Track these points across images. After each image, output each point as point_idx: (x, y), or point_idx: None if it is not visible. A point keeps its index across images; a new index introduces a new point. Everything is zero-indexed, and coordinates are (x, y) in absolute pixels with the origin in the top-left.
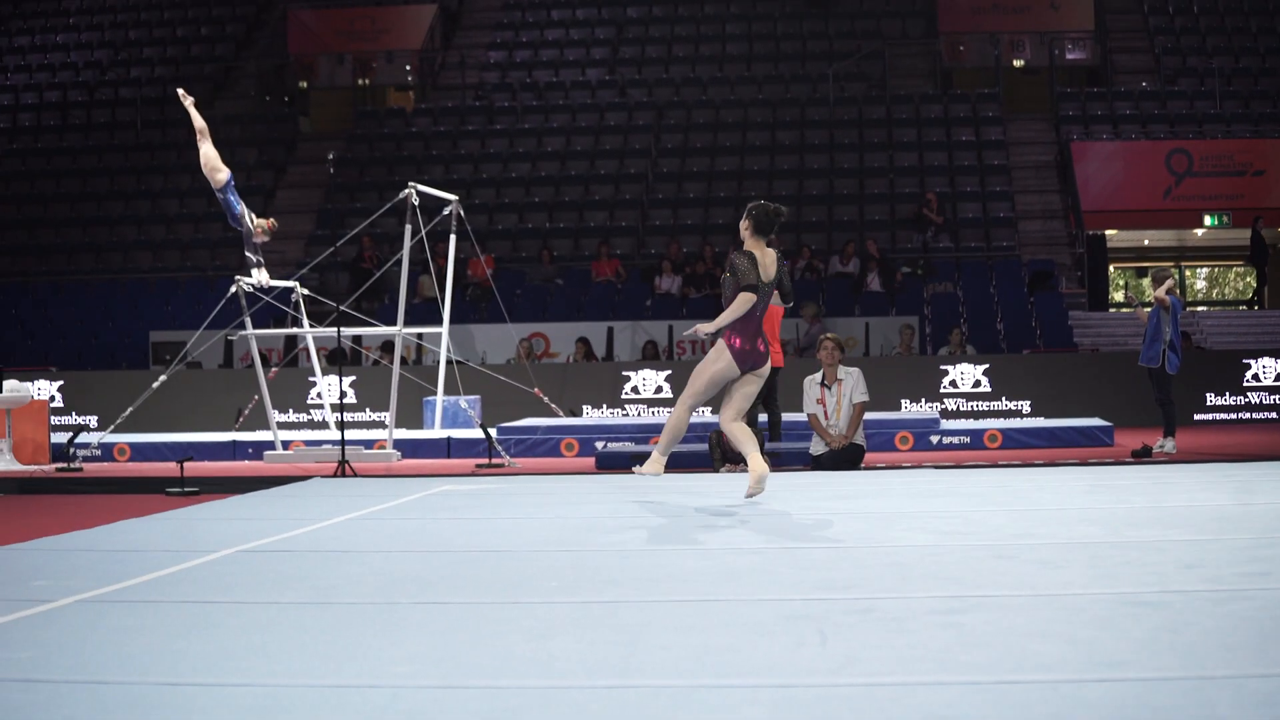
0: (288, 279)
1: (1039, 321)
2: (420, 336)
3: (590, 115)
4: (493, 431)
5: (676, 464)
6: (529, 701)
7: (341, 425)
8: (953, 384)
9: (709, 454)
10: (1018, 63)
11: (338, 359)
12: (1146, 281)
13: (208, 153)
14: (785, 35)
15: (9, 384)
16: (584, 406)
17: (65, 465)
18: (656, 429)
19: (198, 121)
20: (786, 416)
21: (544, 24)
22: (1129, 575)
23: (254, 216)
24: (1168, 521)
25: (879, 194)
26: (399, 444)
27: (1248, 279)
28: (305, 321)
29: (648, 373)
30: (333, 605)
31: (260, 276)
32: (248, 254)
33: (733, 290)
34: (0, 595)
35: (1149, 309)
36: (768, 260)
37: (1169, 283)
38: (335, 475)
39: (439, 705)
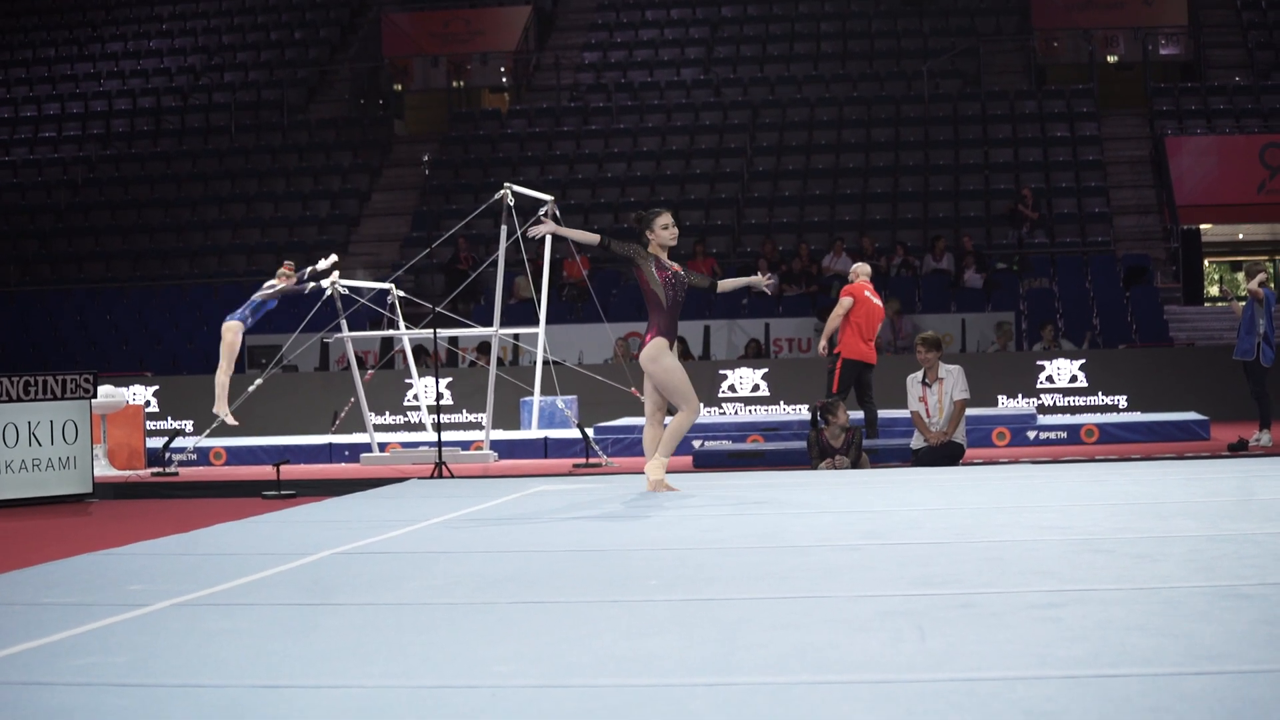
0: (384, 281)
1: (1134, 316)
2: (517, 337)
3: (685, 114)
4: (590, 431)
5: (774, 461)
6: (628, 700)
7: (438, 426)
8: (1049, 379)
9: (807, 451)
10: (1112, 58)
11: (421, 358)
12: (1241, 275)
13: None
14: (880, 33)
15: (104, 389)
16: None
17: (161, 470)
18: (754, 427)
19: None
20: (887, 413)
21: (638, 24)
22: (1227, 568)
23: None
24: (1265, 514)
25: (974, 190)
26: (496, 445)
27: None
28: (401, 323)
29: (745, 371)
30: (431, 606)
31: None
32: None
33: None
34: (97, 599)
35: (1243, 302)
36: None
37: (1261, 275)
38: (432, 476)
39: (538, 704)
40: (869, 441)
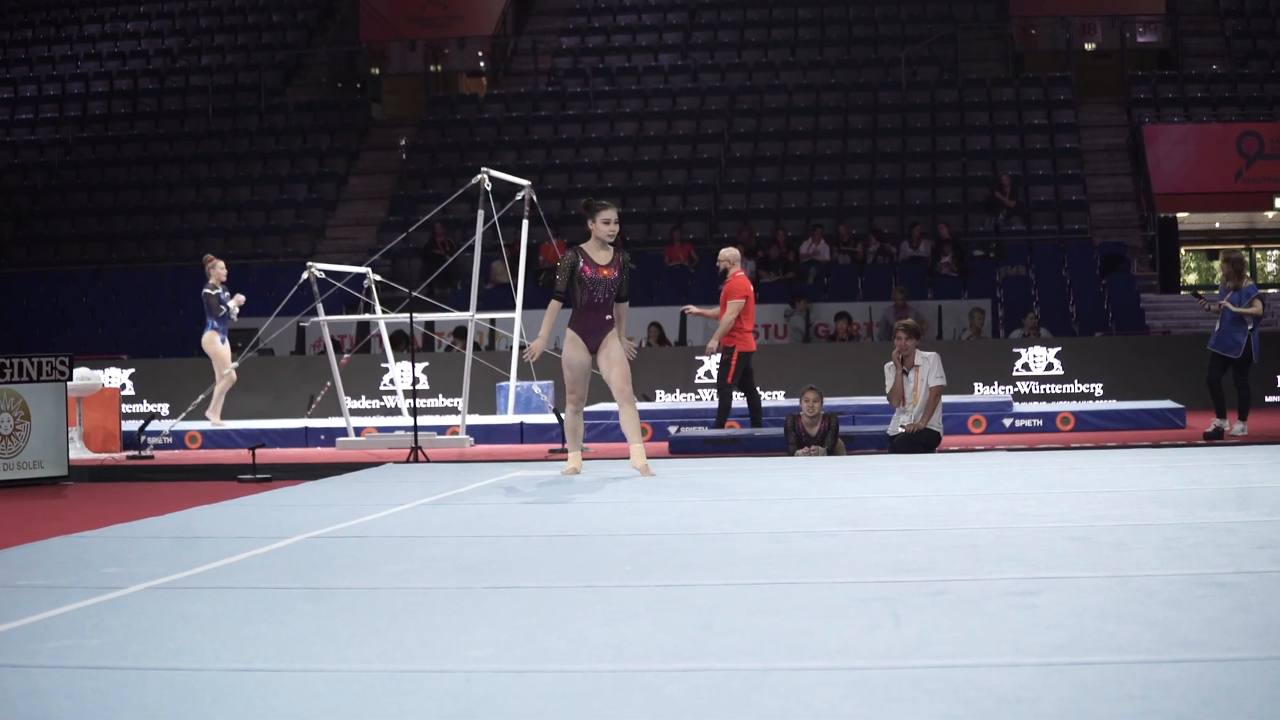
0: (360, 265)
1: (1111, 304)
2: (493, 322)
3: (663, 100)
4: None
5: (751, 448)
6: (603, 685)
7: (414, 411)
8: (1025, 367)
9: (784, 437)
10: (1089, 46)
11: (399, 342)
12: (1217, 264)
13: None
14: (857, 19)
15: (80, 372)
16: (657, 391)
17: (136, 453)
18: (733, 415)
19: None
20: (862, 400)
21: (616, 9)
22: (1202, 556)
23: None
24: (1240, 503)
25: (951, 177)
26: (472, 429)
27: None
28: (378, 308)
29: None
30: (405, 590)
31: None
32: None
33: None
34: (72, 582)
35: (1213, 294)
36: (600, 256)
37: (1259, 305)
38: (408, 461)
39: (512, 689)
40: (847, 428)
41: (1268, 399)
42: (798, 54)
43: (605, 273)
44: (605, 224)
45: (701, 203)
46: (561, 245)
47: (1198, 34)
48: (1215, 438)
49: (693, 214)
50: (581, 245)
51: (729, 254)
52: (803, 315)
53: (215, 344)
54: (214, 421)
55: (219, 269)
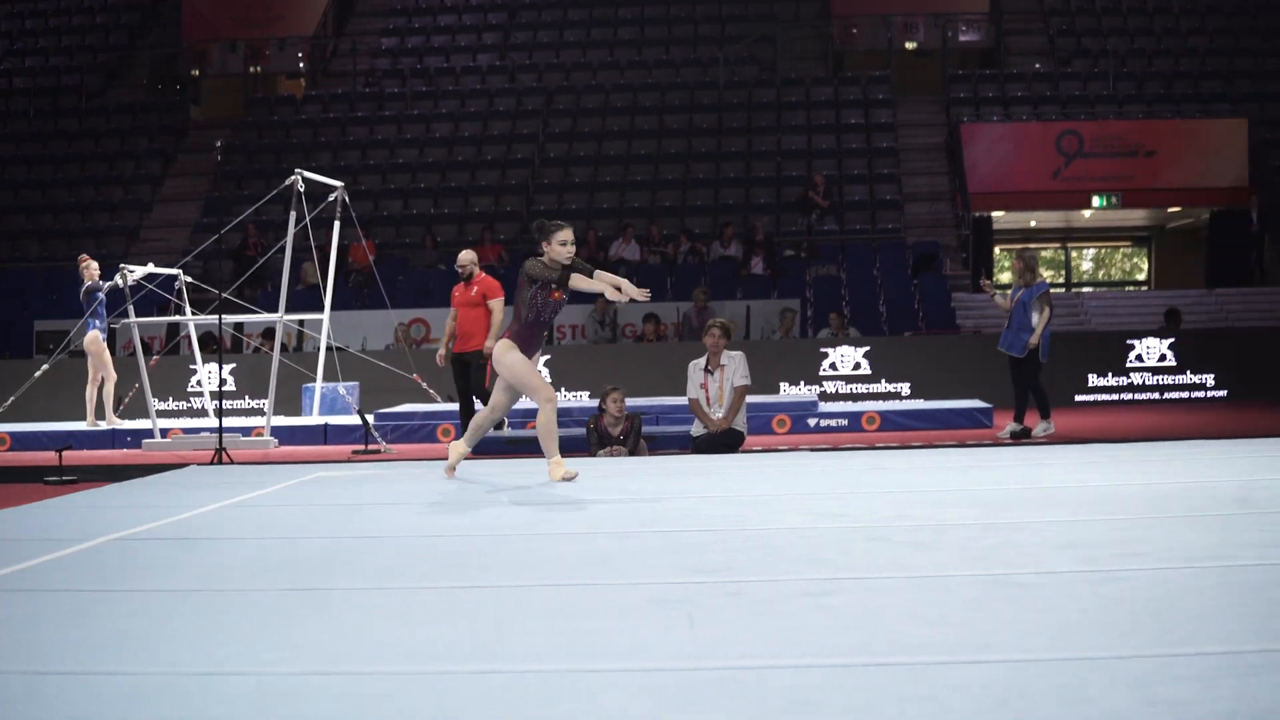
0: (171, 267)
1: (922, 303)
2: (302, 323)
3: (479, 101)
4: (370, 418)
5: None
6: (395, 687)
7: (220, 412)
8: (832, 367)
9: (586, 438)
10: (910, 45)
11: (208, 344)
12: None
13: None
14: (677, 19)
15: None
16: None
17: None
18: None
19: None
20: (668, 400)
21: (437, 9)
22: (1003, 557)
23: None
24: (1044, 503)
25: (766, 177)
26: (276, 431)
27: (1135, 260)
28: (188, 309)
29: None
30: (202, 593)
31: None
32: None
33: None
34: None
35: (1005, 291)
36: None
37: (1047, 312)
38: (212, 463)
39: (305, 692)
40: (649, 428)
41: (1078, 398)
42: (616, 54)
43: (556, 296)
44: (562, 245)
45: (514, 203)
46: (371, 245)
47: (1021, 33)
48: (1022, 437)
49: (505, 214)
50: (541, 260)
51: (469, 257)
52: (598, 316)
53: (98, 343)
54: (110, 421)
55: (93, 269)
